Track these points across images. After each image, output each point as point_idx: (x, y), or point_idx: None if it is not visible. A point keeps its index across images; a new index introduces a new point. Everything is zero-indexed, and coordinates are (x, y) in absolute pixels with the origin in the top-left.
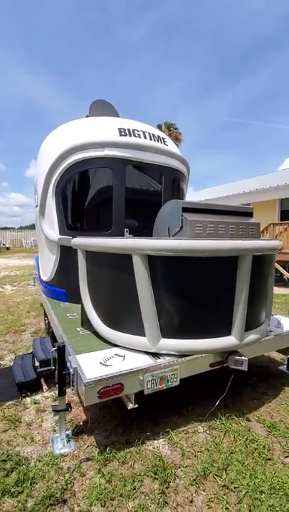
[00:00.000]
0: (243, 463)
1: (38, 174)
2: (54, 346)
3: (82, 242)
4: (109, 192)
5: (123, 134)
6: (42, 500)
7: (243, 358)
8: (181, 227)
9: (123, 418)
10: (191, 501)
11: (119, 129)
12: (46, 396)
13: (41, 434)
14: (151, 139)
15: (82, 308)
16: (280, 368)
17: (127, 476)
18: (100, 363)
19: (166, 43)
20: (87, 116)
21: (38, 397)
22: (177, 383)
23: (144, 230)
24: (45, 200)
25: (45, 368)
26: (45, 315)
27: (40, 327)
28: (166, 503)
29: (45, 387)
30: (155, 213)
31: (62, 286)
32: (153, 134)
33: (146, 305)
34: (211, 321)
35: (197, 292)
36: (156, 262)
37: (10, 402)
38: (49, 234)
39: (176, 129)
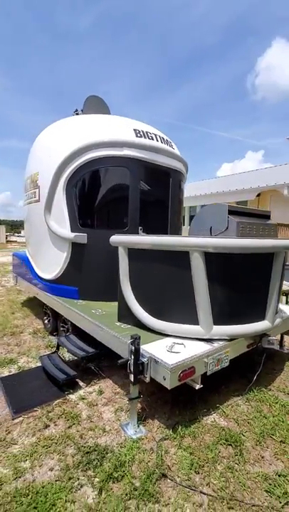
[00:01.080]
0: (288, 423)
1: (39, 170)
2: (84, 342)
3: (126, 239)
4: (125, 191)
5: (139, 135)
6: (147, 478)
7: (274, 338)
8: (227, 228)
9: (173, 402)
10: (262, 457)
11: (135, 130)
12: (89, 391)
13: (108, 425)
14: (162, 142)
15: (122, 302)
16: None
17: (204, 447)
18: (167, 350)
19: (111, 39)
20: (76, 111)
21: (81, 392)
22: (227, 364)
23: (151, 228)
24: (53, 196)
25: (124, 359)
26: (46, 314)
27: (36, 327)
28: (245, 461)
29: (81, 383)
30: (161, 213)
31: (73, 283)
32: (162, 138)
33: (202, 296)
34: (252, 307)
35: (242, 283)
36: (211, 258)
37: (58, 401)
38: (58, 231)
39: None
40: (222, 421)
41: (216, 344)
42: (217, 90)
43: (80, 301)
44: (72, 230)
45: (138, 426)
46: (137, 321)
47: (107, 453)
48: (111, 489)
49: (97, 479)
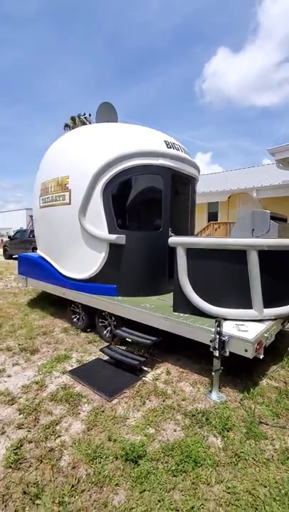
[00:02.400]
0: None
1: (70, 174)
2: (140, 331)
3: (187, 240)
4: (159, 196)
5: (168, 146)
6: (250, 425)
7: None
8: (268, 230)
9: (232, 374)
10: None
11: (165, 142)
12: (158, 373)
13: (194, 395)
14: (184, 152)
15: (179, 295)
16: None
17: (273, 401)
18: (237, 330)
19: (58, 28)
20: (84, 115)
21: (151, 375)
22: (274, 338)
23: (177, 230)
24: (89, 200)
25: (213, 337)
26: (75, 313)
27: (62, 326)
28: None
29: (145, 368)
30: (183, 215)
31: (111, 281)
32: (184, 148)
33: (256, 286)
34: (287, 293)
35: (281, 274)
36: (263, 254)
37: (138, 383)
38: (96, 233)
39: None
40: (274, 383)
41: (267, 323)
42: (168, 92)
43: (120, 297)
44: (110, 232)
45: (218, 392)
46: (195, 309)
47: (209, 413)
48: (229, 436)
49: (215, 431)
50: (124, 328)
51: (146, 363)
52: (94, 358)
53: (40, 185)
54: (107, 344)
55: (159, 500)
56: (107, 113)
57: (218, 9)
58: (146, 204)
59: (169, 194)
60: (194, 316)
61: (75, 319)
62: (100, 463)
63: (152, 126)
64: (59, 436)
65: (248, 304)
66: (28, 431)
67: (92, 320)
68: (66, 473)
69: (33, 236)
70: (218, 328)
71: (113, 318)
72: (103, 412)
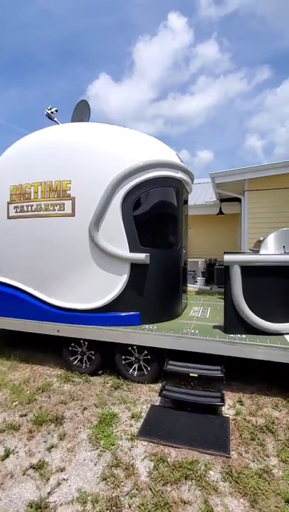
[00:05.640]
0: None
1: (72, 179)
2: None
3: (243, 258)
4: (175, 211)
5: (179, 160)
6: None
7: None
8: None
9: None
10: None
11: (177, 155)
12: (231, 405)
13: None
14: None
15: (232, 315)
16: None
17: None
18: None
19: None
20: (50, 109)
21: (228, 409)
22: None
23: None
24: (105, 212)
25: None
26: (74, 353)
27: (57, 374)
28: None
29: None
30: (184, 229)
31: (133, 308)
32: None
33: None
34: None
35: None
36: None
37: (232, 423)
38: (114, 251)
39: None
40: None
41: None
42: (51, 103)
43: (145, 325)
44: (132, 250)
45: None
46: (251, 328)
47: None
48: None
49: None
50: (172, 362)
51: (223, 397)
52: (145, 407)
53: (8, 189)
54: (161, 386)
55: None
56: (82, 112)
57: (98, 36)
58: (165, 219)
59: (182, 208)
60: (251, 336)
61: (76, 362)
62: None
63: (29, 132)
64: None
65: None
66: None
67: (106, 359)
68: None
69: None
70: None
71: (146, 352)
72: (240, 473)
